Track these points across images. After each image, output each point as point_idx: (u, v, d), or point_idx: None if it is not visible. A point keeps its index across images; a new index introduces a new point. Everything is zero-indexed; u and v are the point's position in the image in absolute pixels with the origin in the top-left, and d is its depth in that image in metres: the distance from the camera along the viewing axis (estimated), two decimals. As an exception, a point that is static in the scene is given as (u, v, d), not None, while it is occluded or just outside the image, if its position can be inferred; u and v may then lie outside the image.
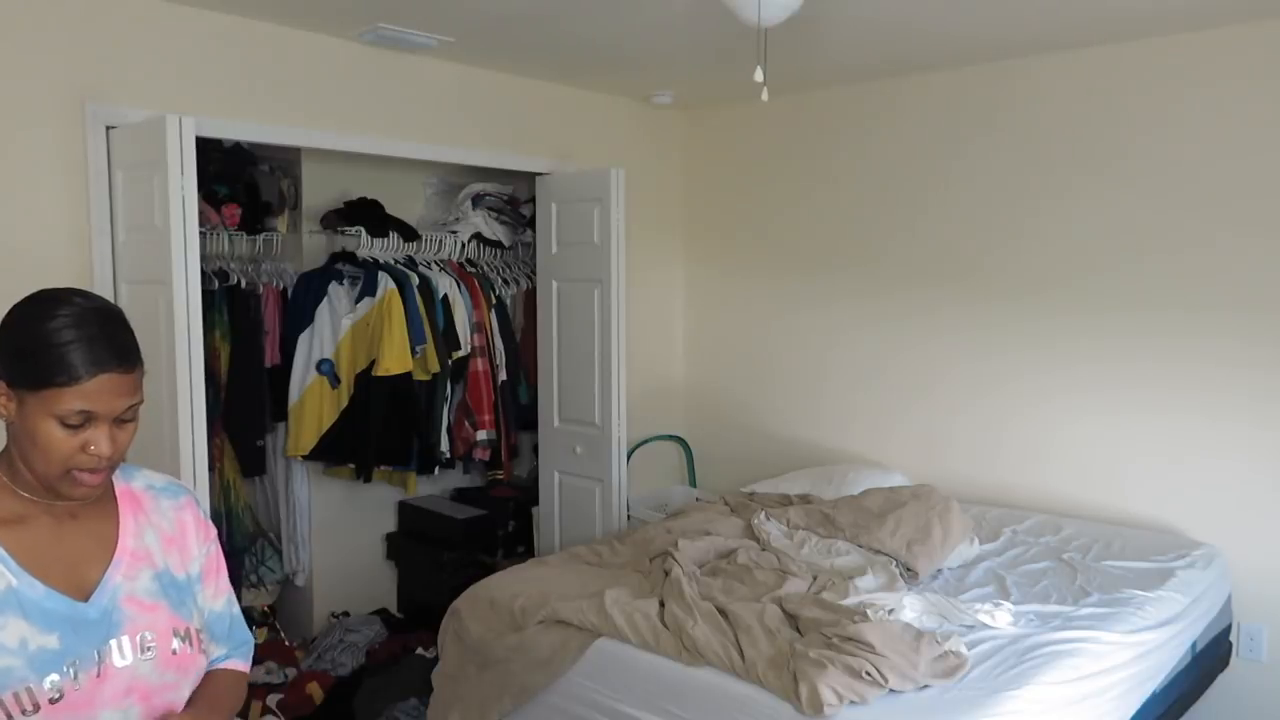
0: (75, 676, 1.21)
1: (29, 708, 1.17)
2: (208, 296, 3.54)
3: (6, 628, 1.18)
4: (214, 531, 1.48)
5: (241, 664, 1.53)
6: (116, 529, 1.33)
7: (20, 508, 1.26)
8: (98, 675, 1.23)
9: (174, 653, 1.32)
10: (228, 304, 3.78)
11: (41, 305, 1.24)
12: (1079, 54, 3.62)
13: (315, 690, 3.55)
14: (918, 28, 3.36)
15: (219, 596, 1.47)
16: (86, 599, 1.26)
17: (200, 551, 1.43)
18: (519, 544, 4.44)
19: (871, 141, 4.24)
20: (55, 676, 1.20)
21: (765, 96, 2.77)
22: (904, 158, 4.14)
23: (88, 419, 1.22)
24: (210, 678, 1.43)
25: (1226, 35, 3.30)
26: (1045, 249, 3.76)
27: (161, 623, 1.32)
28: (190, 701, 1.36)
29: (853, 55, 3.78)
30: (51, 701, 1.19)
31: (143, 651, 1.28)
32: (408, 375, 3.88)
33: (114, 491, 1.36)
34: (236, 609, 1.53)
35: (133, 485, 1.39)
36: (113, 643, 1.26)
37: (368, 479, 4.01)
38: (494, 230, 4.54)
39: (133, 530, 1.34)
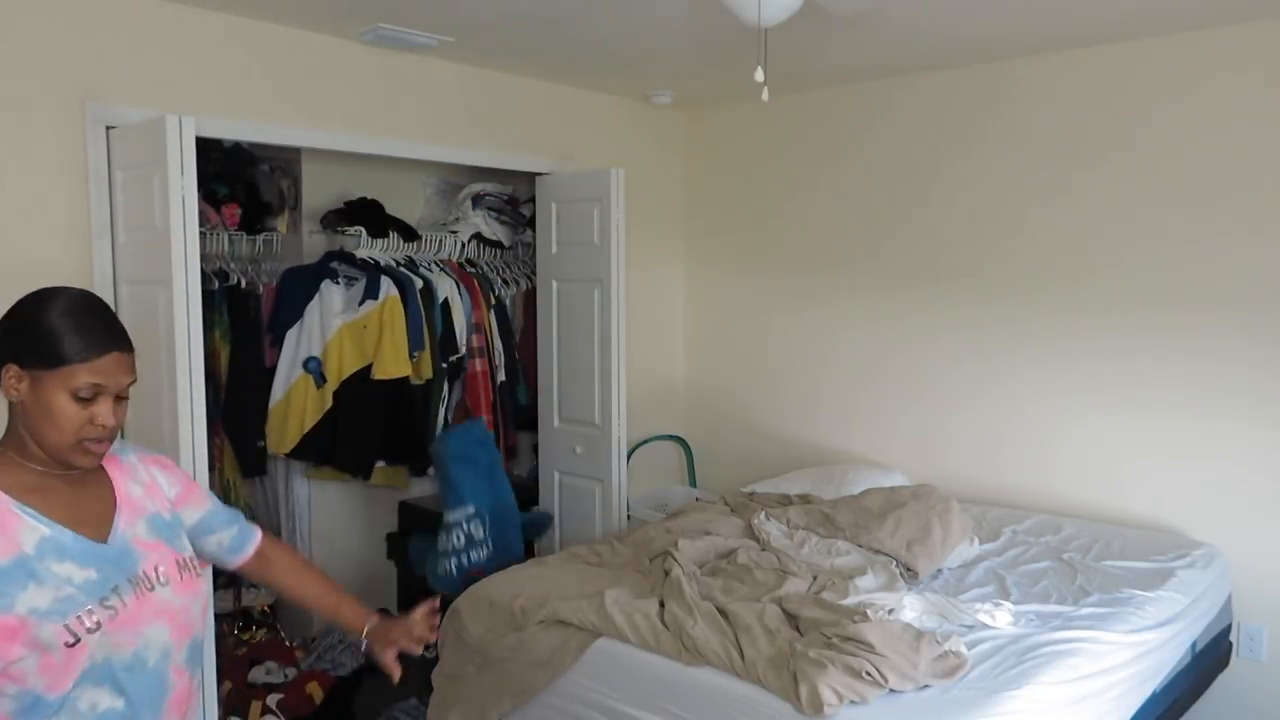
0: (122, 598, 1.44)
1: (92, 626, 1.39)
2: (208, 296, 3.54)
3: (52, 568, 1.39)
4: (169, 460, 1.71)
5: (260, 532, 1.83)
6: (113, 488, 1.54)
7: (37, 479, 1.45)
8: (137, 598, 1.46)
9: (183, 579, 1.55)
10: (228, 304, 3.78)
11: (47, 297, 1.45)
12: (1079, 54, 3.62)
13: (315, 690, 3.55)
14: (918, 28, 3.36)
15: (205, 502, 1.72)
16: (108, 542, 1.48)
17: (170, 484, 1.65)
18: (519, 544, 4.44)
19: (871, 141, 4.24)
20: (109, 597, 1.42)
21: (766, 96, 2.77)
22: (904, 157, 4.14)
23: (97, 393, 1.42)
24: (282, 557, 1.86)
25: (1226, 35, 3.30)
26: (1045, 248, 3.76)
27: (166, 556, 1.54)
28: (303, 582, 1.86)
29: (853, 55, 3.78)
30: (111, 617, 1.42)
31: (163, 578, 1.52)
32: (405, 377, 3.87)
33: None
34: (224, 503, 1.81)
35: (111, 452, 1.59)
36: (138, 573, 1.48)
37: (366, 476, 4.00)
38: (494, 230, 4.53)
39: (124, 487, 1.56)
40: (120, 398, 1.47)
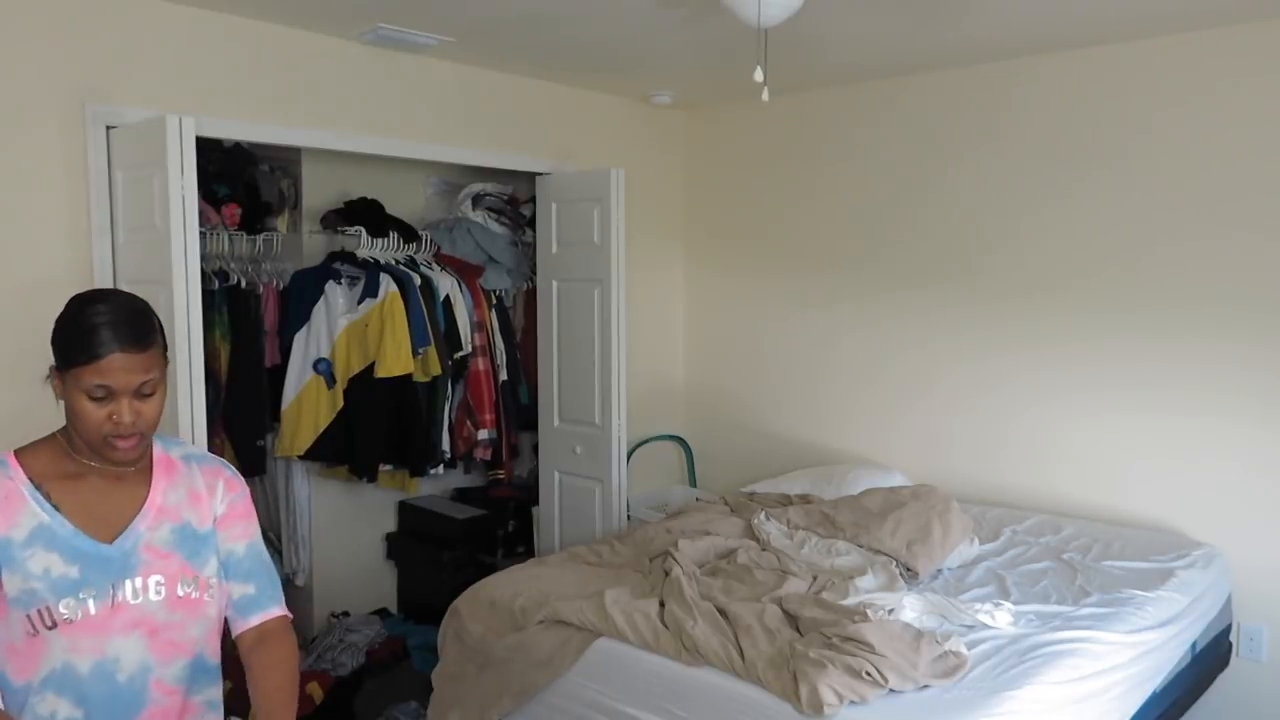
0: (90, 604, 1.47)
1: (49, 623, 1.45)
2: (208, 296, 3.53)
3: (34, 558, 1.45)
4: (245, 488, 1.72)
5: (277, 610, 1.71)
6: (150, 490, 1.58)
7: (77, 468, 1.53)
8: (111, 606, 1.49)
9: (180, 596, 1.56)
10: (228, 304, 3.78)
11: (80, 301, 1.52)
12: (1079, 54, 3.62)
13: (315, 690, 3.55)
14: (918, 28, 3.35)
15: (242, 540, 1.67)
16: (112, 543, 1.51)
17: (224, 502, 1.65)
18: (519, 544, 4.44)
19: (872, 141, 4.24)
20: (71, 601, 1.46)
21: (766, 96, 2.77)
22: (904, 157, 4.14)
23: (108, 393, 1.47)
24: (275, 652, 1.67)
25: (1227, 35, 3.30)
26: (1045, 248, 3.76)
27: (173, 569, 1.55)
28: (264, 690, 1.67)
29: (853, 55, 3.78)
30: (67, 621, 1.46)
31: (153, 592, 1.53)
32: (408, 376, 3.88)
33: (153, 461, 1.62)
34: (266, 555, 1.72)
35: (170, 454, 1.65)
36: (127, 582, 1.51)
37: (372, 479, 4.01)
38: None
39: (162, 490, 1.59)
40: (143, 395, 1.50)
